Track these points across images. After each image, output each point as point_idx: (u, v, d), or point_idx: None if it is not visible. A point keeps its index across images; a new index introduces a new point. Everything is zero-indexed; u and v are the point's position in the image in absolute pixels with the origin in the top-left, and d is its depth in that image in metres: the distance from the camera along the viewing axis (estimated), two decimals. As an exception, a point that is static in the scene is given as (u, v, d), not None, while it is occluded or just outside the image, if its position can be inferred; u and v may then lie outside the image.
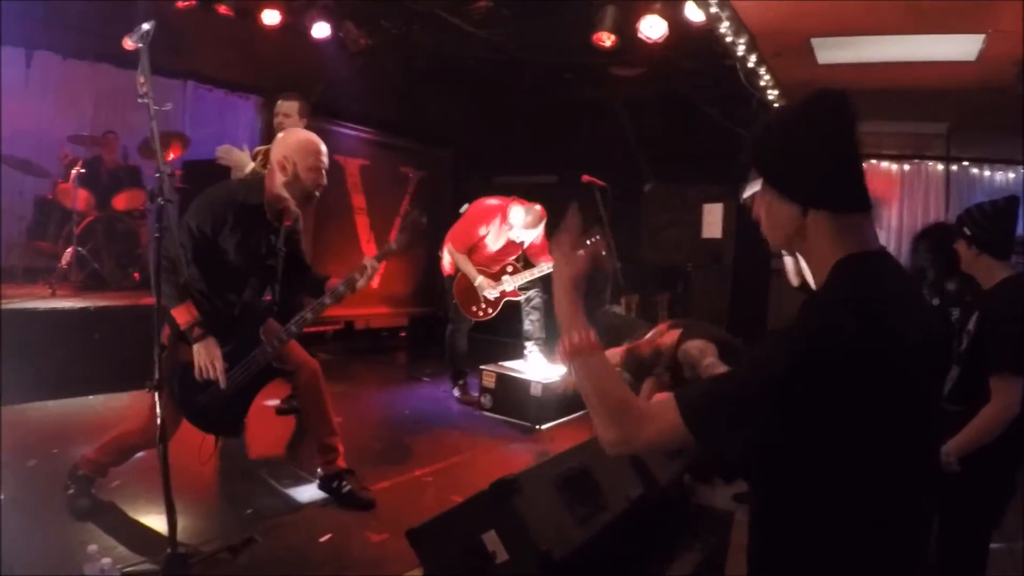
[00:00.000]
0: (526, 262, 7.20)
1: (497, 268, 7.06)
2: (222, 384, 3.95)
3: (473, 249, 7.04)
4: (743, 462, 1.60)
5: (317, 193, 4.31)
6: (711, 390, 1.66)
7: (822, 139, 1.65)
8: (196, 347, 3.89)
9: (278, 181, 4.17)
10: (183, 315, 3.84)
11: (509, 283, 7.03)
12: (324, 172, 4.26)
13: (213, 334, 3.95)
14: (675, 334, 5.05)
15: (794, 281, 5.48)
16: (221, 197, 4.14)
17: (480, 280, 6.92)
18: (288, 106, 5.89)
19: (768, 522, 1.72)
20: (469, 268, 6.96)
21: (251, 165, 5.53)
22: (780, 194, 1.69)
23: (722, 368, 4.63)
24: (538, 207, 6.89)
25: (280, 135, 4.35)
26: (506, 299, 7.13)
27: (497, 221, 6.98)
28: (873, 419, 1.53)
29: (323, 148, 4.25)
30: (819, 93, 1.67)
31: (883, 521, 1.61)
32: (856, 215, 1.67)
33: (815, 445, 1.54)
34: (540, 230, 6.96)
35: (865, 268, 1.63)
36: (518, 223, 6.84)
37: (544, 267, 6.94)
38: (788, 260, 5.45)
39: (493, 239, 7.02)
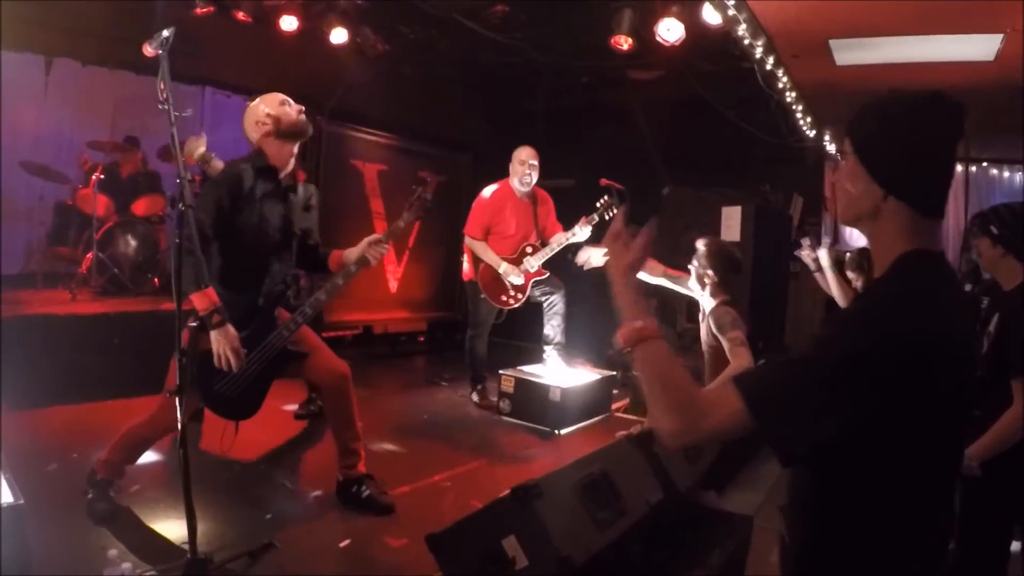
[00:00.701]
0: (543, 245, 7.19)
1: (517, 253, 7.06)
2: (235, 369, 3.94)
3: (490, 235, 7.05)
4: (798, 448, 1.63)
5: (308, 130, 4.37)
6: (774, 376, 1.68)
7: (929, 140, 1.68)
8: (214, 334, 3.85)
9: (268, 139, 4.24)
10: (203, 301, 3.79)
11: (532, 263, 7.00)
12: (301, 109, 4.34)
13: (232, 320, 3.94)
14: (721, 293, 5.15)
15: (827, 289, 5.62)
16: (233, 170, 4.20)
17: (504, 266, 6.92)
18: None
19: (816, 509, 1.75)
20: (491, 256, 6.97)
21: (202, 149, 5.53)
22: (868, 171, 1.72)
23: (746, 348, 4.74)
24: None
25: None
26: (532, 293, 7.11)
27: (504, 197, 7.07)
28: (918, 412, 1.57)
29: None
30: (940, 96, 1.70)
31: (919, 513, 1.66)
32: (931, 218, 1.71)
33: (870, 432, 1.57)
34: (536, 162, 7.03)
35: (926, 266, 1.68)
36: (519, 163, 7.01)
37: (562, 239, 6.92)
38: (829, 275, 5.51)
39: (507, 217, 7.05)
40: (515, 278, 6.92)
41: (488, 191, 7.15)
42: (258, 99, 4.35)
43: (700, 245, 5.13)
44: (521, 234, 7.11)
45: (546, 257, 7.03)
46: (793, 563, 1.80)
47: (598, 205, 6.72)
